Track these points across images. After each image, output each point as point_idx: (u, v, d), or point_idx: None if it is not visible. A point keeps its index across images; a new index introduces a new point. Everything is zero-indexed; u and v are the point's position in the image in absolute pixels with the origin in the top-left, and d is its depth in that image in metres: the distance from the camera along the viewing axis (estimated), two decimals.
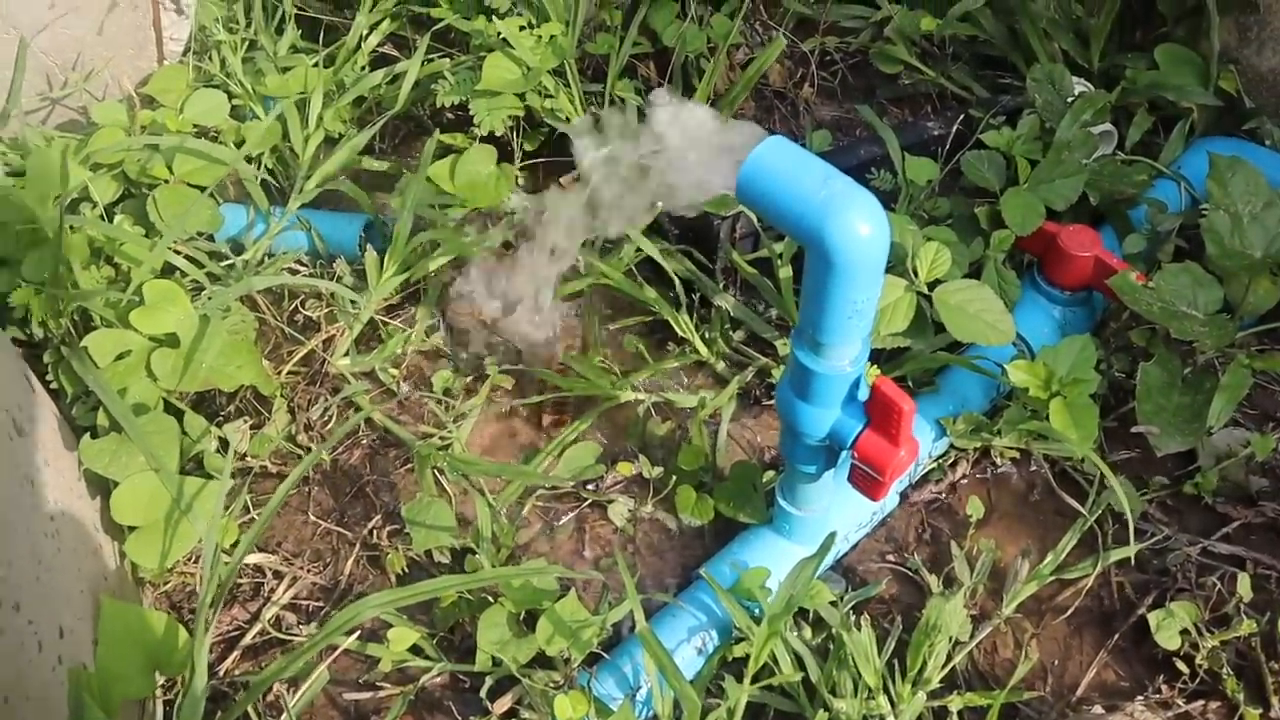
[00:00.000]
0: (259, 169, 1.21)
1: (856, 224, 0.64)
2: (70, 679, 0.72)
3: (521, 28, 1.18)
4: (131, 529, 0.85)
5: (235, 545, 0.89)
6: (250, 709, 0.82)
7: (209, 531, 0.79)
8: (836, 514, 0.93)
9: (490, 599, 0.88)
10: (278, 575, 0.96)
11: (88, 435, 0.88)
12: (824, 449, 0.81)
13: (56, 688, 0.71)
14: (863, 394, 0.76)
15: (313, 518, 1.01)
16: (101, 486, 0.92)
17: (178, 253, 1.08)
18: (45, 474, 0.79)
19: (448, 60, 1.25)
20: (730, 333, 1.10)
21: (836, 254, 0.65)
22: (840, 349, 0.72)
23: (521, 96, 1.18)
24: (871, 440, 0.76)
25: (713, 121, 0.72)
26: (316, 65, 1.30)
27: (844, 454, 0.79)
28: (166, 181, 1.14)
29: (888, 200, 0.91)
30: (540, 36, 1.17)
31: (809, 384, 0.75)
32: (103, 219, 1.09)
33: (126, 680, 0.75)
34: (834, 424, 0.77)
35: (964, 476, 1.02)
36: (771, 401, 1.07)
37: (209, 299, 1.01)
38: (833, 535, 0.87)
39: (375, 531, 0.99)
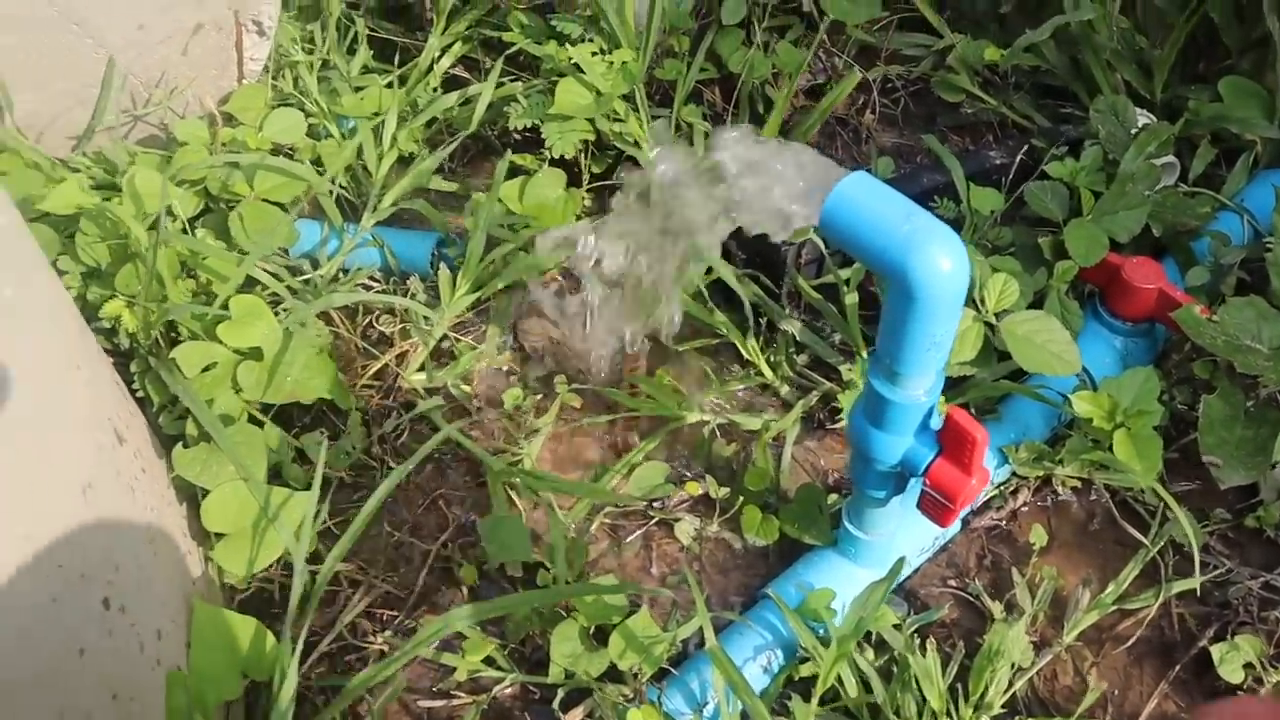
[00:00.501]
0: (334, 186, 1.24)
1: (939, 259, 0.66)
2: (169, 681, 0.75)
3: (593, 54, 1.20)
4: (219, 536, 0.88)
5: (314, 554, 0.92)
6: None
7: (300, 542, 0.82)
8: (901, 538, 0.94)
9: (563, 613, 0.91)
10: (353, 583, 0.99)
11: (180, 444, 0.91)
12: (894, 475, 0.82)
13: (155, 690, 0.74)
14: (935, 423, 0.78)
15: (387, 528, 1.04)
16: (187, 493, 0.95)
17: (259, 267, 1.11)
18: (143, 480, 0.82)
19: (519, 84, 1.28)
20: (794, 356, 1.12)
21: (918, 288, 0.67)
22: (916, 379, 0.74)
23: (591, 121, 1.21)
24: (944, 468, 0.77)
25: (800, 155, 0.74)
26: (390, 86, 1.34)
27: (913, 480, 0.81)
28: (247, 198, 1.18)
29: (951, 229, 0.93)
30: (611, 63, 1.20)
31: (884, 412, 0.77)
32: (185, 233, 1.13)
33: (219, 683, 0.78)
34: (906, 451, 0.79)
35: (1025, 504, 1.04)
36: (834, 425, 1.09)
37: (289, 313, 1.04)
38: (901, 560, 0.88)
39: (448, 543, 1.01)
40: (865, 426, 0.79)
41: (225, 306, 1.02)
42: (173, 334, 1.04)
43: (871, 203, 0.68)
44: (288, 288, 1.12)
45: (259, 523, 0.88)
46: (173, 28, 1.26)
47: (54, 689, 0.62)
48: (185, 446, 0.91)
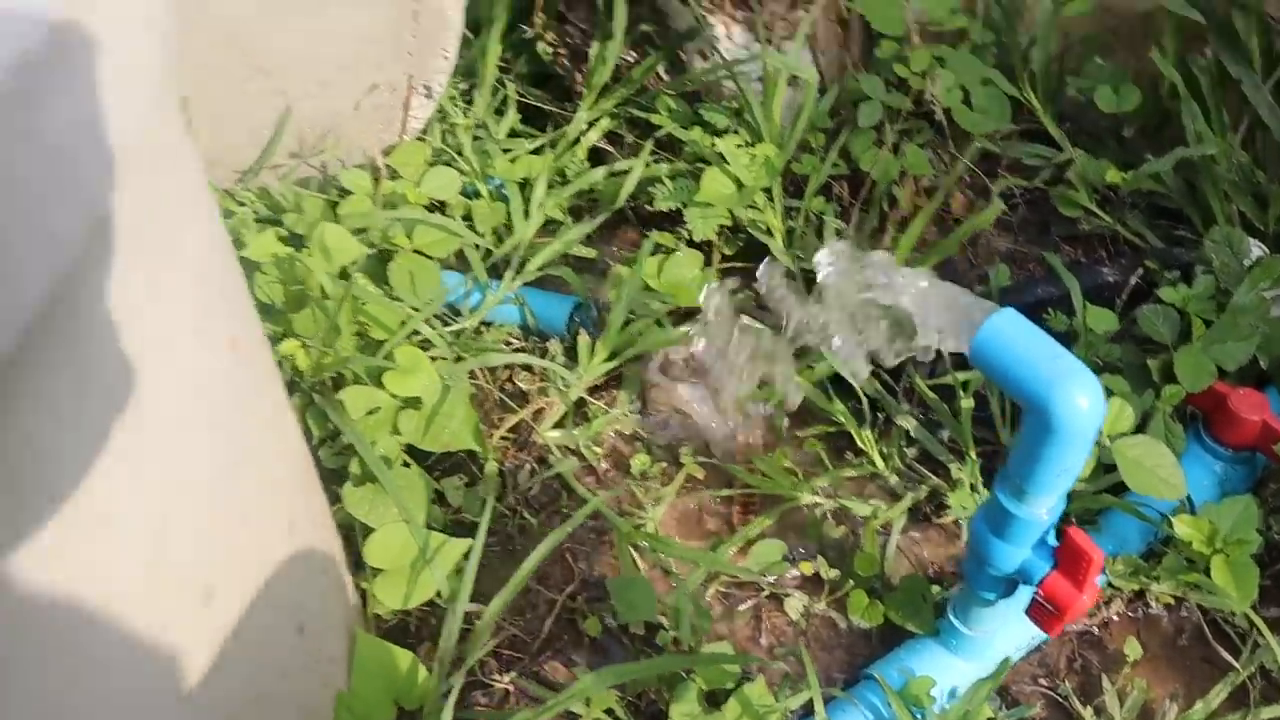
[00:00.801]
0: (483, 244, 1.34)
1: (1079, 398, 0.73)
2: (338, 702, 0.83)
3: (738, 145, 1.29)
4: (376, 570, 0.97)
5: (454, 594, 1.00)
6: None
7: (462, 590, 0.91)
8: (1001, 636, 1.00)
9: (682, 674, 0.98)
10: (495, 624, 1.07)
11: (349, 483, 1.00)
12: (1007, 580, 0.89)
13: (327, 713, 0.83)
14: (1053, 539, 0.85)
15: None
16: (344, 525, 1.04)
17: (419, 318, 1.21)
18: (317, 512, 0.91)
19: (664, 165, 1.37)
20: (905, 450, 1.18)
21: (1057, 422, 0.74)
22: (1043, 499, 0.81)
23: (729, 208, 1.29)
24: (1058, 582, 0.84)
25: (950, 291, 0.81)
26: (538, 152, 1.44)
27: (1023, 586, 0.88)
28: (405, 249, 1.28)
29: (1063, 342, 0.99)
30: (754, 156, 1.28)
31: (1006, 524, 0.83)
32: (343, 278, 1.22)
33: (376, 709, 0.86)
34: (1024, 562, 0.85)
35: (1117, 614, 1.09)
36: (939, 520, 1.15)
37: (443, 364, 1.13)
38: (1007, 661, 0.94)
39: (574, 595, 1.09)
40: (986, 534, 0.86)
41: (388, 355, 1.12)
42: (338, 376, 1.14)
43: (1020, 340, 0.75)
44: (441, 338, 1.21)
45: (416, 563, 0.96)
46: (351, 85, 1.37)
47: (266, 711, 0.71)
48: (354, 485, 1.00)
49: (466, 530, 1.14)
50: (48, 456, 0.46)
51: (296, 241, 1.23)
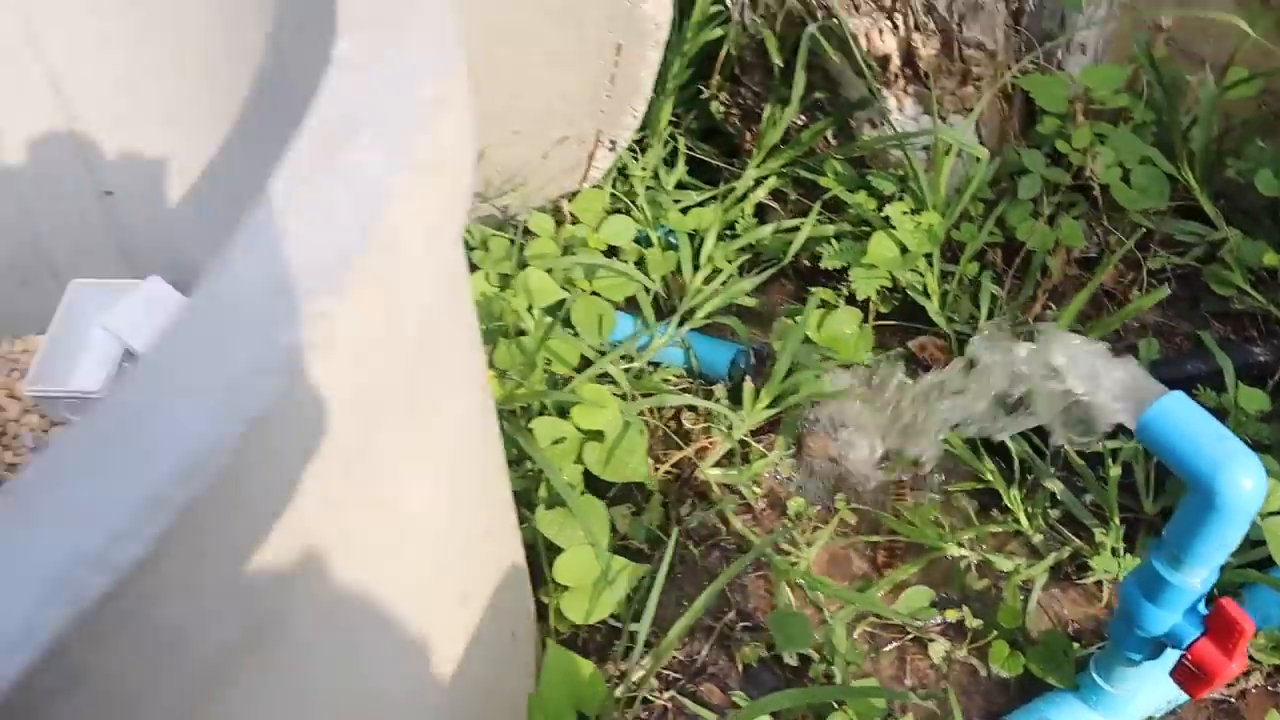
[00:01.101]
0: (654, 289, 1.44)
1: (1243, 480, 0.79)
2: (531, 704, 0.93)
3: (904, 212, 1.37)
4: (562, 587, 1.07)
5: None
6: None
7: (646, 611, 1.00)
8: (1141, 696, 1.05)
9: (833, 704, 1.05)
10: (648, 645, 1.16)
11: (540, 506, 1.11)
12: (1154, 643, 0.94)
13: (519, 712, 0.92)
14: (1203, 607, 0.90)
15: (673, 595, 1.21)
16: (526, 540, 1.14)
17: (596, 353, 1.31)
18: (512, 526, 1.01)
19: (830, 226, 1.45)
20: (1049, 510, 1.24)
21: (1221, 501, 0.80)
22: (1198, 570, 0.87)
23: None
24: (1207, 649, 0.89)
25: (1122, 369, 0.87)
26: (706, 204, 1.54)
27: (1169, 649, 0.93)
28: (584, 291, 1.38)
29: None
30: (919, 223, 1.36)
31: (1160, 590, 0.89)
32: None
33: (563, 711, 0.96)
34: (1174, 626, 0.91)
35: (1255, 686, 1.13)
36: (1081, 580, 1.21)
37: (624, 403, 1.23)
38: None
39: (733, 625, 1.18)
40: (1138, 597, 0.92)
41: (572, 389, 1.22)
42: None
43: (1188, 421, 0.82)
44: (623, 377, 1.31)
45: (598, 583, 1.06)
46: (542, 137, 1.49)
47: (491, 706, 0.81)
48: (545, 508, 1.10)
49: (631, 555, 1.23)
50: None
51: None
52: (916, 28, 1.36)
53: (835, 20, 1.37)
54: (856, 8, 1.37)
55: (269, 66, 1.15)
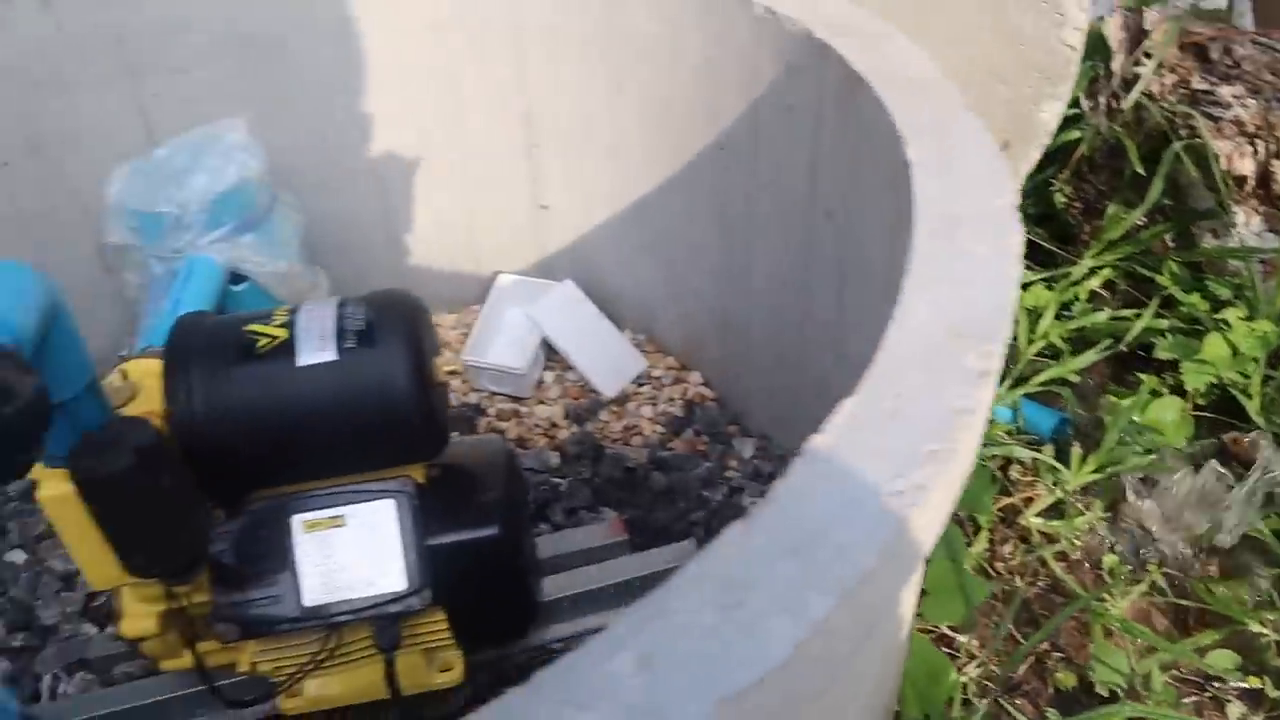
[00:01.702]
0: None
1: None
2: (906, 681, 1.14)
3: (1240, 318, 1.52)
4: (925, 593, 1.28)
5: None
6: None
7: (1001, 624, 1.21)
8: None
9: None
10: (970, 655, 1.36)
11: None
12: None
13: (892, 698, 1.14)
14: None
15: (993, 620, 1.40)
16: None
17: None
18: None
19: (1164, 320, 1.62)
20: None
21: None
22: None
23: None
24: None
25: None
26: (1034, 285, 1.72)
27: None
28: None
29: None
30: (1253, 329, 1.51)
31: None
32: None
33: (930, 695, 1.17)
34: None
35: None
36: None
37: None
38: None
39: (1051, 650, 1.36)
40: None
41: None
42: None
43: None
44: None
45: (953, 592, 1.26)
46: None
47: (886, 688, 1.02)
48: None
49: None
50: None
51: None
52: (1276, 155, 1.52)
53: (1198, 139, 1.54)
54: (1220, 131, 1.54)
55: (729, 131, 1.41)
